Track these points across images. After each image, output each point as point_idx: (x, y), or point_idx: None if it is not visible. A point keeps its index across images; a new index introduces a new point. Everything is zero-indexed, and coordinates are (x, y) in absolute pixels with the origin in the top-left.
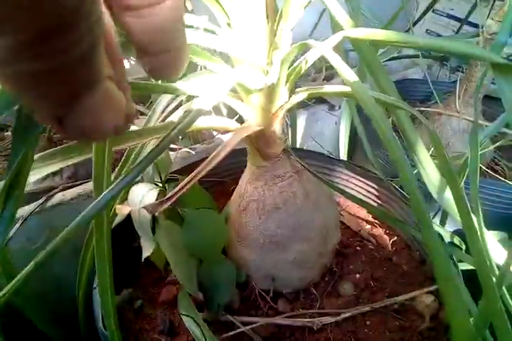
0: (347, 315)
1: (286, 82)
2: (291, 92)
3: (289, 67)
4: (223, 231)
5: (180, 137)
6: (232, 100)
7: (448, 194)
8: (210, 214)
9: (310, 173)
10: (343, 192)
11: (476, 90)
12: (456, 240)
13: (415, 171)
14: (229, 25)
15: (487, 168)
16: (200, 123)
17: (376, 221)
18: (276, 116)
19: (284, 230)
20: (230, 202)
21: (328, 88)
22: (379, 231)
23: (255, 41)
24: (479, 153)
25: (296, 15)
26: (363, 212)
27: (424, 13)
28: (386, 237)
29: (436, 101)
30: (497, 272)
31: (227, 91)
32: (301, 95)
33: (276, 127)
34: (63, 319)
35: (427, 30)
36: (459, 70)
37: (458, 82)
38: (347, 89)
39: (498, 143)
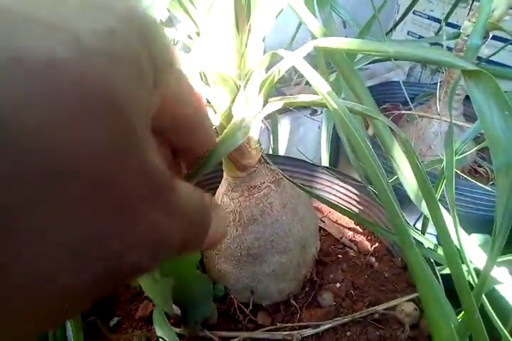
0: (327, 326)
1: (259, 91)
2: (266, 101)
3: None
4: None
5: None
6: None
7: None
8: None
9: (289, 182)
10: (322, 200)
11: (452, 92)
12: (436, 245)
13: (395, 177)
14: (198, 34)
15: (470, 170)
16: None
17: (358, 227)
18: None
19: (261, 242)
20: None
21: (303, 98)
22: (360, 237)
23: (225, 52)
24: (461, 156)
25: (267, 24)
26: (344, 219)
27: (404, 14)
28: (368, 244)
29: (419, 104)
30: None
31: None
32: (275, 105)
33: (251, 137)
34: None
35: (409, 31)
36: (439, 71)
37: (438, 83)
38: (320, 98)
39: (479, 146)
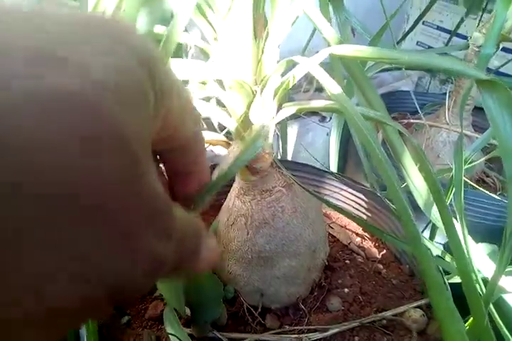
0: (335, 330)
1: (274, 97)
2: (279, 107)
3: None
4: None
5: None
6: (221, 116)
7: (436, 207)
8: None
9: (299, 187)
10: (331, 205)
11: (462, 102)
12: (443, 253)
13: (404, 184)
14: (216, 39)
15: (478, 180)
16: None
17: (366, 234)
18: None
19: (272, 245)
20: (219, 216)
21: (316, 103)
22: (368, 244)
23: (242, 57)
24: (469, 165)
25: (284, 31)
26: (353, 225)
27: (414, 25)
28: (375, 250)
29: (427, 113)
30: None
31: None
32: (289, 110)
33: (265, 144)
34: None
35: (418, 42)
36: (448, 81)
37: (447, 93)
38: (335, 104)
39: (487, 156)
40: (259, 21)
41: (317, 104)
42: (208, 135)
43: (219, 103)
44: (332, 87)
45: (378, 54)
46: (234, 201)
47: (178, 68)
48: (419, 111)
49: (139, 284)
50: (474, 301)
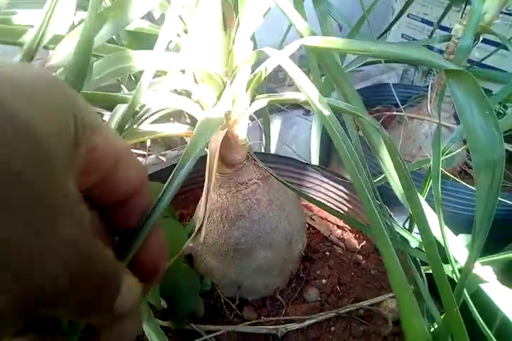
0: (311, 321)
1: (247, 89)
2: (253, 99)
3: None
4: (182, 240)
5: (149, 142)
6: (192, 108)
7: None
8: (166, 222)
9: (275, 179)
10: (307, 197)
11: (441, 93)
12: (421, 244)
13: (382, 176)
14: (185, 31)
15: (460, 172)
16: (162, 130)
17: (346, 225)
18: (236, 122)
19: (248, 238)
20: (196, 209)
21: (288, 95)
22: (349, 235)
23: (212, 49)
24: (448, 156)
25: (255, 22)
26: (333, 217)
27: (397, 17)
28: (355, 241)
29: (411, 106)
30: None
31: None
32: (261, 102)
33: (239, 134)
34: None
35: (403, 34)
36: (431, 73)
37: (430, 86)
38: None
39: (464, 147)
40: (229, 11)
41: (290, 96)
42: (180, 128)
43: (191, 95)
44: (300, 78)
45: (348, 45)
46: (210, 194)
47: (150, 60)
48: (399, 103)
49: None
50: (444, 290)
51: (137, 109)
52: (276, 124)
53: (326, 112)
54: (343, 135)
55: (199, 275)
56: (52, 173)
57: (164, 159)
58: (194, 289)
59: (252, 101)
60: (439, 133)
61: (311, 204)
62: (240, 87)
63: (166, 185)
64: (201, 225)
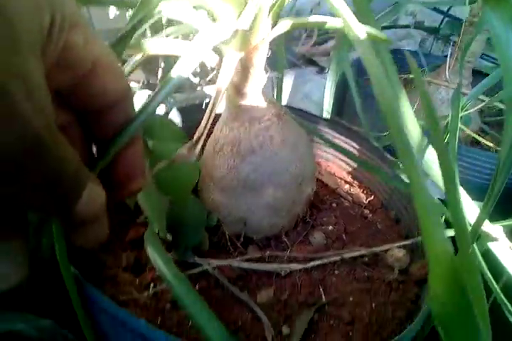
0: (316, 262)
1: (269, 13)
2: (275, 23)
3: None
4: (195, 173)
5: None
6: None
7: (429, 155)
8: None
9: (290, 120)
10: (324, 140)
11: (465, 49)
12: None
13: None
14: None
15: (472, 141)
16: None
17: (355, 181)
18: (256, 48)
19: (258, 174)
20: (207, 143)
21: (315, 18)
22: (356, 190)
23: None
24: (466, 112)
25: None
26: (342, 172)
27: None
28: (363, 196)
29: (428, 71)
30: None
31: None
32: (284, 25)
33: (257, 62)
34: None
35: None
36: (449, 43)
37: (449, 54)
38: (337, 23)
39: (482, 104)
40: None
41: (315, 19)
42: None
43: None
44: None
45: None
46: (222, 128)
47: None
48: (423, 70)
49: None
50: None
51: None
52: (288, 81)
53: (364, 36)
54: (381, 68)
55: (204, 207)
56: (16, 51)
57: (172, 100)
58: (200, 221)
59: (273, 26)
60: (459, 89)
61: (319, 160)
62: (262, 6)
63: (153, 93)
64: (200, 137)
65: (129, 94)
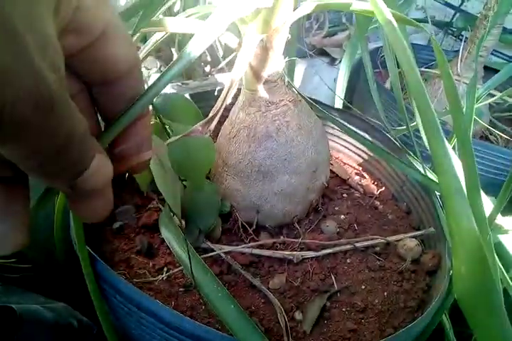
0: (328, 251)
1: None
2: (296, 5)
3: None
4: (211, 153)
5: None
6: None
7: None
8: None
9: (306, 106)
10: (340, 126)
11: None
12: None
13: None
14: None
15: (481, 136)
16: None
17: (365, 172)
18: (277, 31)
19: (273, 160)
20: (221, 129)
21: (340, 0)
22: (367, 181)
23: None
24: (480, 104)
25: None
26: (353, 163)
27: None
28: (374, 187)
29: (437, 67)
30: None
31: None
32: (308, 6)
33: (277, 46)
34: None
35: None
36: (460, 39)
37: (461, 48)
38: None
39: (494, 98)
40: None
41: (342, 0)
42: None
43: None
44: None
45: None
46: (238, 113)
47: None
48: (433, 64)
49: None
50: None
51: None
52: (299, 71)
53: (392, 19)
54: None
55: (218, 192)
56: (33, 4)
57: (185, 87)
58: (214, 205)
59: (295, 8)
60: (475, 79)
61: (330, 151)
62: None
63: (165, 69)
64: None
65: (138, 64)
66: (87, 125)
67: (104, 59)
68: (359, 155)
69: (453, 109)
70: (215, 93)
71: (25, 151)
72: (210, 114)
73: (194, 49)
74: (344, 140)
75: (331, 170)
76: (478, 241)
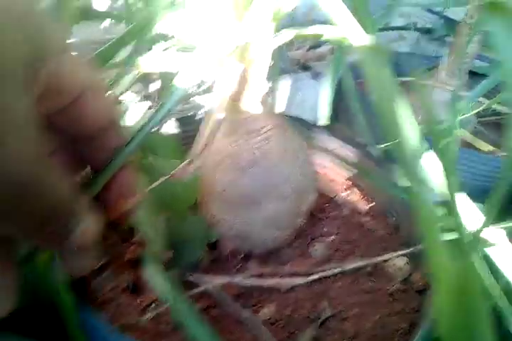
0: (317, 276)
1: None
2: (277, 31)
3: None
4: (194, 185)
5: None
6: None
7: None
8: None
9: (289, 129)
10: (322, 149)
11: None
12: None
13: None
14: None
15: (466, 142)
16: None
17: (354, 188)
18: (257, 59)
19: (258, 187)
20: (207, 157)
21: (317, 29)
22: (356, 197)
23: None
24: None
25: None
26: (340, 179)
27: None
28: (363, 203)
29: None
30: None
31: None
32: (288, 34)
33: (257, 72)
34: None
35: None
36: (444, 43)
37: (445, 55)
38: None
39: (481, 108)
40: None
41: (316, 30)
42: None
43: None
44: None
45: None
46: (221, 141)
47: None
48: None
49: None
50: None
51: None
52: (282, 87)
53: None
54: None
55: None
56: (3, 92)
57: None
58: (200, 237)
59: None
60: (458, 91)
61: (316, 168)
62: (265, 10)
63: (151, 113)
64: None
65: (117, 119)
66: (70, 187)
67: (84, 117)
68: (347, 169)
69: (431, 132)
70: (200, 116)
71: (8, 230)
72: (194, 151)
73: (178, 90)
74: (331, 154)
75: (318, 187)
76: (458, 284)
